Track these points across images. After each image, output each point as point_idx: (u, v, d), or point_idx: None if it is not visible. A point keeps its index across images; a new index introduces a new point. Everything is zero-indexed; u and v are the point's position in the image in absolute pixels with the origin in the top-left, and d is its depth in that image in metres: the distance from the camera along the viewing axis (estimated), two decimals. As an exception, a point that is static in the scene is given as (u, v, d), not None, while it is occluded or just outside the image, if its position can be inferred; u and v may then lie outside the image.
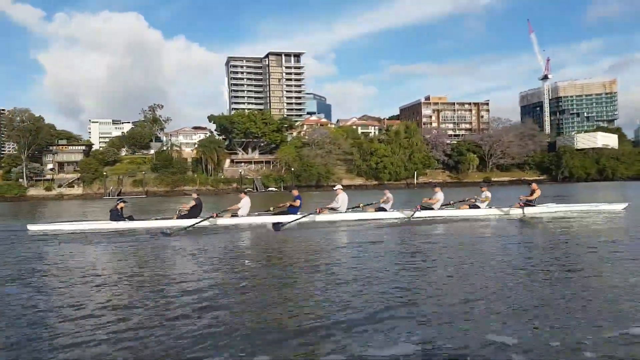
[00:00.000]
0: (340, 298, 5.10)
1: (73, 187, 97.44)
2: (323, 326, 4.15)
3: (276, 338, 3.91)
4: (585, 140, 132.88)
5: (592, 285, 5.46)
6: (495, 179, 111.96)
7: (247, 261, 7.97)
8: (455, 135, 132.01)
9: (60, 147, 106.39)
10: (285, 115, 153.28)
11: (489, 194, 16.02)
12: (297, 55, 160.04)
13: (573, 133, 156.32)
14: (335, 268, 6.96)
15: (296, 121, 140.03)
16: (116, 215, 14.66)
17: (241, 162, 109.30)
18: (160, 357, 3.57)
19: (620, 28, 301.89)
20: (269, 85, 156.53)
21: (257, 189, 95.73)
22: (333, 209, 15.30)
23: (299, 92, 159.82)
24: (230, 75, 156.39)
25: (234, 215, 14.81)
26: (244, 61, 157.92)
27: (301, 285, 5.92)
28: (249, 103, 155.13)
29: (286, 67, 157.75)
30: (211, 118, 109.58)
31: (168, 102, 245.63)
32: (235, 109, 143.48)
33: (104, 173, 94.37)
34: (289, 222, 13.56)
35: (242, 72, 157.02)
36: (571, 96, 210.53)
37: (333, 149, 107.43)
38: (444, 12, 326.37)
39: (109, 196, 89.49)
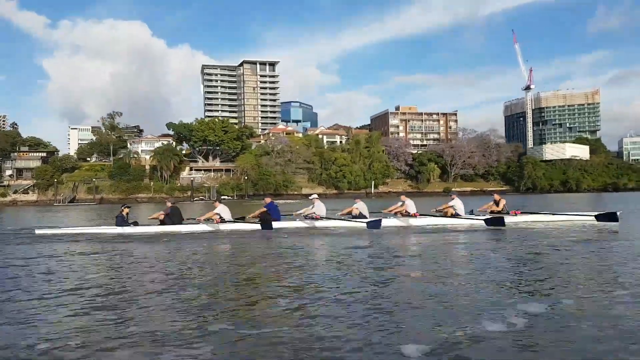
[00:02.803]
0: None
1: (28, 193, 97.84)
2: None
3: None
4: (554, 151, 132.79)
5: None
6: (456, 189, 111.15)
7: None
8: (422, 145, 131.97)
9: (21, 153, 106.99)
10: (259, 122, 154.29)
11: (459, 203, 15.64)
12: (272, 64, 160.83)
13: (548, 144, 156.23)
14: (309, 275, 7.09)
15: (265, 129, 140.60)
16: (121, 221, 14.88)
17: (201, 170, 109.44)
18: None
19: (625, 40, 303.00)
20: (244, 93, 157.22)
21: (209, 197, 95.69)
22: (311, 217, 15.30)
23: (274, 100, 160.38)
24: (205, 82, 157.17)
25: (220, 220, 14.97)
26: (219, 69, 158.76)
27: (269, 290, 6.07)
28: (223, 111, 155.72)
29: (261, 76, 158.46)
30: (170, 126, 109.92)
31: (171, 109, 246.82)
32: (209, 116, 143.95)
33: (55, 180, 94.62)
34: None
35: (216, 80, 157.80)
36: (554, 107, 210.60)
37: (293, 158, 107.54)
38: (447, 23, 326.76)
39: (60, 203, 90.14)
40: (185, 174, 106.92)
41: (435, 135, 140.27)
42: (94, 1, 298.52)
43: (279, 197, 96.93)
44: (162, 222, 15.11)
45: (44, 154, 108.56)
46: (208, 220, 14.94)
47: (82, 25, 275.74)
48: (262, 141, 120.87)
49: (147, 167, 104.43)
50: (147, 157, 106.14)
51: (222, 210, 15.08)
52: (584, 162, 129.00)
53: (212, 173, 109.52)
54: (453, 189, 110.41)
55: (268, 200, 15.69)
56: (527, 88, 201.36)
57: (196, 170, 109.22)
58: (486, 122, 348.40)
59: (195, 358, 3.59)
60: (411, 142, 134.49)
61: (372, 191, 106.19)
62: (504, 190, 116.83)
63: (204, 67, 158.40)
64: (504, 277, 6.48)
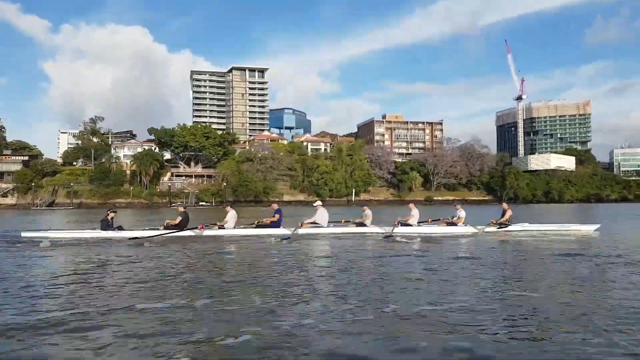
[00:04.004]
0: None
1: (7, 197, 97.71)
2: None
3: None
4: (539, 162, 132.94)
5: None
6: (438, 198, 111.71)
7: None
8: (407, 154, 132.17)
9: (2, 157, 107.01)
10: (248, 129, 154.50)
11: (463, 213, 16.50)
12: (261, 71, 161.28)
13: (534, 154, 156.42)
14: (314, 279, 7.39)
15: (253, 136, 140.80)
16: (106, 225, 15.10)
17: (182, 176, 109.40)
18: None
19: (624, 51, 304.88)
20: (232, 99, 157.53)
21: (188, 203, 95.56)
22: (315, 223, 15.69)
23: (263, 107, 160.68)
24: (193, 88, 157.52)
25: (221, 227, 15.39)
26: (207, 75, 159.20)
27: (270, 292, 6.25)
28: (211, 117, 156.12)
29: (250, 82, 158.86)
30: (151, 131, 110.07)
31: (172, 114, 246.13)
32: (197, 122, 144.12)
33: (34, 184, 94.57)
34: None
35: (204, 86, 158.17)
36: (545, 117, 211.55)
37: (274, 165, 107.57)
38: (448, 33, 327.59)
39: (38, 207, 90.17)
40: (166, 179, 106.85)
41: (421, 144, 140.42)
42: (96, 6, 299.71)
43: (259, 204, 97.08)
44: (170, 228, 15.43)
45: (26, 158, 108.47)
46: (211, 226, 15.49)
47: (85, 30, 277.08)
48: (248, 147, 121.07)
49: (128, 172, 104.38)
50: (129, 162, 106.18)
51: (231, 216, 15.55)
52: (569, 172, 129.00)
53: (194, 179, 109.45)
54: (435, 198, 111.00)
55: (276, 206, 16.28)
56: (519, 98, 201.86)
57: (177, 175, 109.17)
58: (483, 132, 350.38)
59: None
60: (396, 150, 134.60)
61: (353, 199, 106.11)
62: (486, 200, 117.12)
63: (192, 72, 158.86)
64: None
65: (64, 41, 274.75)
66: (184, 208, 16.11)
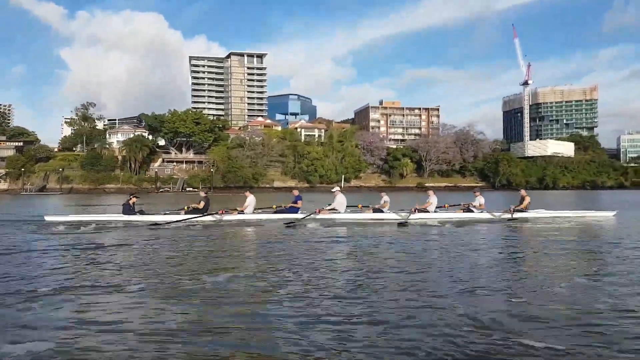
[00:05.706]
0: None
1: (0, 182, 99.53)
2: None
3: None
4: (536, 148, 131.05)
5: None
6: (431, 185, 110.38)
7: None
8: (402, 140, 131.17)
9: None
10: (246, 115, 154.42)
11: (482, 200, 16.47)
12: (260, 56, 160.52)
13: (533, 140, 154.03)
14: (331, 265, 7.57)
15: (248, 122, 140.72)
16: (128, 209, 15.57)
17: (173, 162, 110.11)
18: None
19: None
20: (231, 85, 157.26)
21: (175, 188, 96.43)
22: (333, 210, 15.88)
23: (261, 92, 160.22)
24: (192, 74, 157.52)
25: (240, 212, 15.76)
26: (206, 60, 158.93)
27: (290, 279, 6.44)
28: (209, 102, 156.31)
29: (248, 68, 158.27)
30: (142, 117, 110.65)
31: (187, 100, 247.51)
32: (195, 108, 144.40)
33: (23, 169, 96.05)
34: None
35: (203, 72, 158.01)
36: (551, 102, 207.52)
37: (265, 151, 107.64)
38: (462, 17, 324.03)
39: (28, 192, 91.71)
40: (157, 165, 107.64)
41: (417, 130, 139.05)
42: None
43: (248, 190, 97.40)
44: (192, 212, 15.80)
45: (20, 144, 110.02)
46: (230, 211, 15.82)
47: (100, 17, 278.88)
48: (242, 134, 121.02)
49: (120, 158, 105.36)
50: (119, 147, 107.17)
51: (251, 201, 15.87)
52: (566, 159, 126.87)
53: (185, 164, 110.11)
54: (427, 184, 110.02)
55: (296, 192, 16.53)
56: (525, 83, 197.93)
57: (168, 161, 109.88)
58: (492, 118, 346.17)
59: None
60: (392, 137, 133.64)
61: (343, 185, 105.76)
62: (479, 186, 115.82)
63: (191, 58, 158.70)
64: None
65: (79, 28, 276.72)
66: (206, 193, 16.47)
